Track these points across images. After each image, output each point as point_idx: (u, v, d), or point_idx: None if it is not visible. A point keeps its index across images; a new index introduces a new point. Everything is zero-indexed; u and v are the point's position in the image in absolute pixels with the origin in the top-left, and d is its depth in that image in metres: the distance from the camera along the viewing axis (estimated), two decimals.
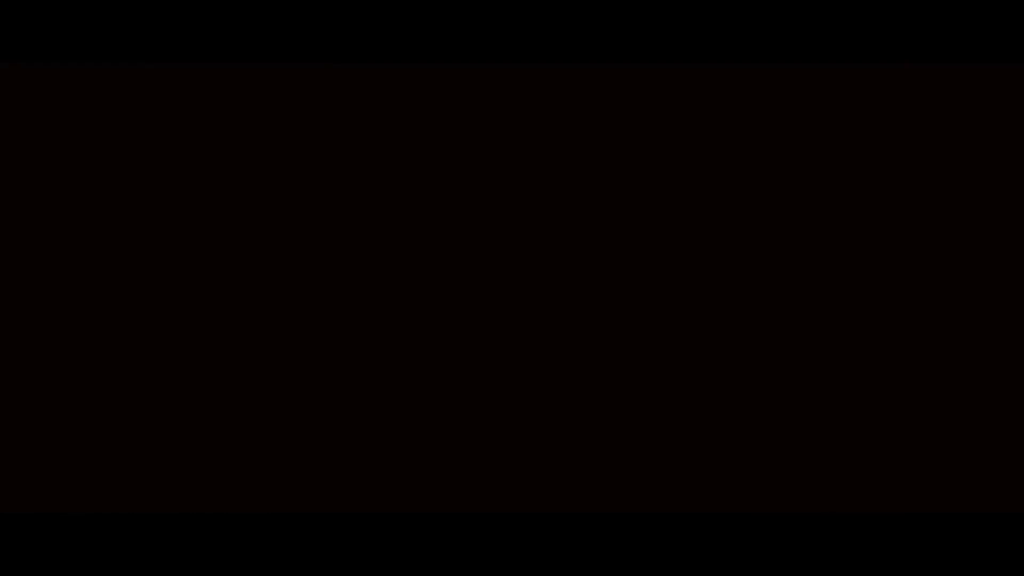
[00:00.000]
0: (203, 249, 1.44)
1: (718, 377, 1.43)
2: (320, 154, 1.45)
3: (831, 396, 1.46)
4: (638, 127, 1.40)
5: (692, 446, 1.45)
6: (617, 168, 1.39)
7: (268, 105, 1.41)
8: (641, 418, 1.40)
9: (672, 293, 1.38)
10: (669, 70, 1.39)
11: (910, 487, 1.49)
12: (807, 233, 1.44)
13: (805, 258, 1.43)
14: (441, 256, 1.39)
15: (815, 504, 1.45)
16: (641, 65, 1.38)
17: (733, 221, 1.41)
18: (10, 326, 1.48)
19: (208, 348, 1.45)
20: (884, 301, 1.43)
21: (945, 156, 1.46)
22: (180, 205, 1.46)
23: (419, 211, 1.39)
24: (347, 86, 1.40)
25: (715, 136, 1.43)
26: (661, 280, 1.37)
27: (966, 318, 1.46)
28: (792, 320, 1.42)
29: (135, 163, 1.43)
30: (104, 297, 1.47)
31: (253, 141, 1.41)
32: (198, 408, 1.47)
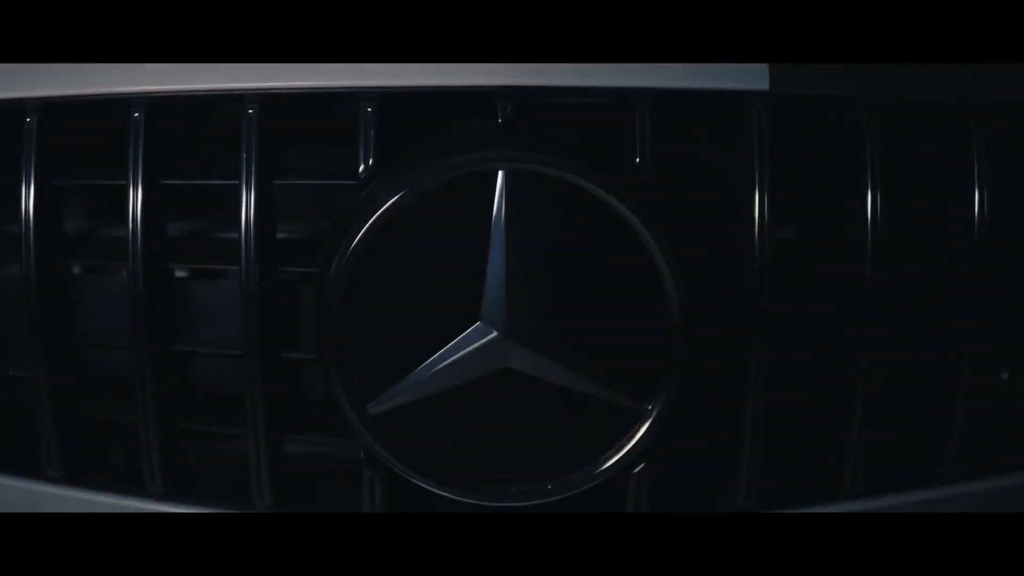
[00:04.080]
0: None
1: (719, 377, 1.43)
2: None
3: (831, 396, 1.46)
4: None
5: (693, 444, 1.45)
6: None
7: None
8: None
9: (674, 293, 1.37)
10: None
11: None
12: (808, 233, 1.44)
13: (806, 258, 1.43)
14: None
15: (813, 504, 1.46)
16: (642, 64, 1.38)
17: (734, 221, 1.40)
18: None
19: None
20: (885, 301, 1.42)
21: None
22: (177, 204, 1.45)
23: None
24: None
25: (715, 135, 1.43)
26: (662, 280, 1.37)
27: (965, 319, 1.46)
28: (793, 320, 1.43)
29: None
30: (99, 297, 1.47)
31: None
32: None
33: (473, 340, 1.35)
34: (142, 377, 1.42)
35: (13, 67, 1.42)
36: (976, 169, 1.43)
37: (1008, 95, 1.46)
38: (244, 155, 1.38)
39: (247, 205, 1.38)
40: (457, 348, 1.35)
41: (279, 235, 1.42)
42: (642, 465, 1.40)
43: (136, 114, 1.40)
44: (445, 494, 1.39)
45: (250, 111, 1.38)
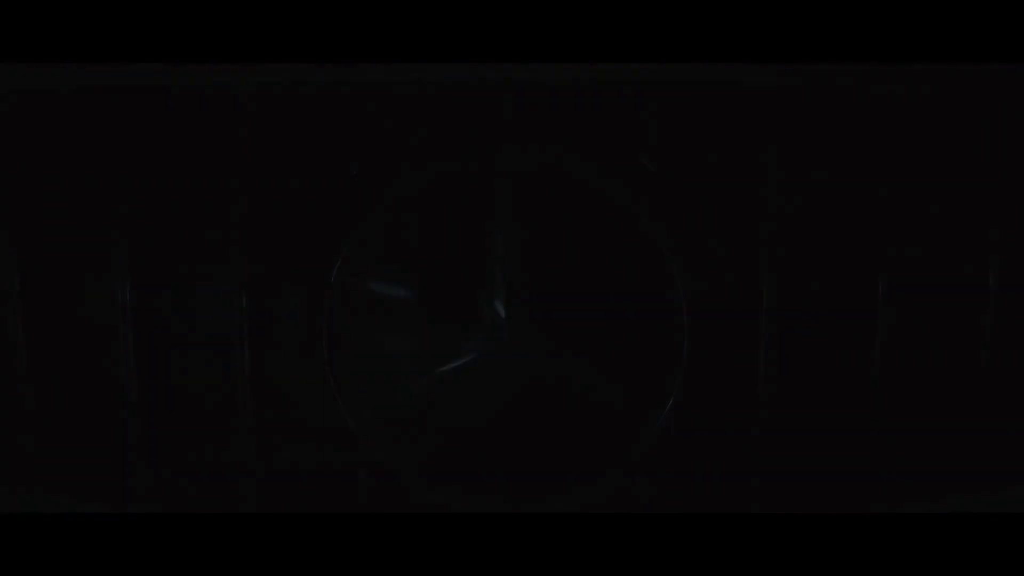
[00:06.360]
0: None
1: (723, 378, 1.41)
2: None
3: (833, 396, 1.44)
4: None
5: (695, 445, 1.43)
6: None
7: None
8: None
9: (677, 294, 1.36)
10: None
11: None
12: (809, 233, 1.42)
13: (807, 259, 1.41)
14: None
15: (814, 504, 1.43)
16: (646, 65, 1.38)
17: (735, 221, 1.39)
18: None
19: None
20: (885, 302, 1.41)
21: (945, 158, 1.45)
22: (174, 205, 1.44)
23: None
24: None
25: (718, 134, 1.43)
26: (665, 281, 1.35)
27: (965, 320, 1.44)
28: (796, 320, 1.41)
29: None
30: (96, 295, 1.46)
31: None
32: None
33: (472, 341, 1.33)
34: (128, 380, 1.40)
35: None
36: (987, 168, 1.42)
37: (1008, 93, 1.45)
38: (236, 152, 1.37)
39: (238, 204, 1.37)
40: (456, 349, 1.34)
41: (271, 234, 1.40)
42: (647, 468, 1.39)
43: (125, 109, 1.39)
44: (441, 498, 1.38)
45: (243, 106, 1.37)
